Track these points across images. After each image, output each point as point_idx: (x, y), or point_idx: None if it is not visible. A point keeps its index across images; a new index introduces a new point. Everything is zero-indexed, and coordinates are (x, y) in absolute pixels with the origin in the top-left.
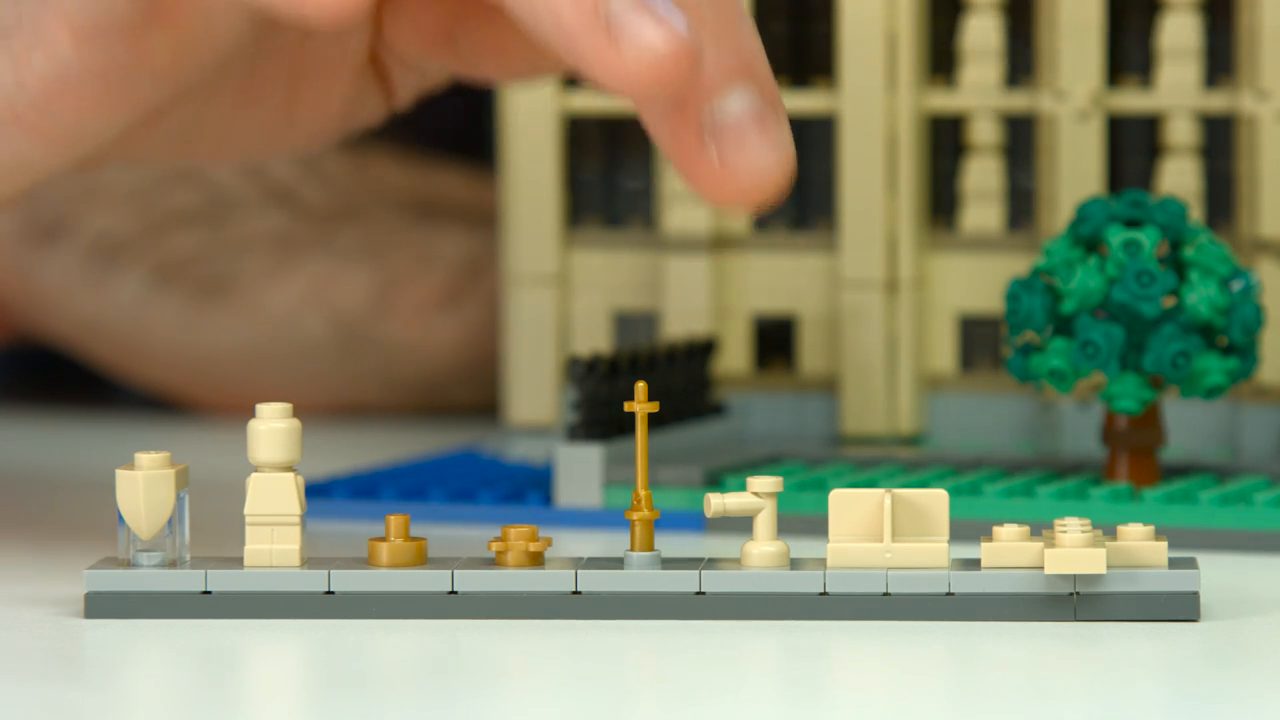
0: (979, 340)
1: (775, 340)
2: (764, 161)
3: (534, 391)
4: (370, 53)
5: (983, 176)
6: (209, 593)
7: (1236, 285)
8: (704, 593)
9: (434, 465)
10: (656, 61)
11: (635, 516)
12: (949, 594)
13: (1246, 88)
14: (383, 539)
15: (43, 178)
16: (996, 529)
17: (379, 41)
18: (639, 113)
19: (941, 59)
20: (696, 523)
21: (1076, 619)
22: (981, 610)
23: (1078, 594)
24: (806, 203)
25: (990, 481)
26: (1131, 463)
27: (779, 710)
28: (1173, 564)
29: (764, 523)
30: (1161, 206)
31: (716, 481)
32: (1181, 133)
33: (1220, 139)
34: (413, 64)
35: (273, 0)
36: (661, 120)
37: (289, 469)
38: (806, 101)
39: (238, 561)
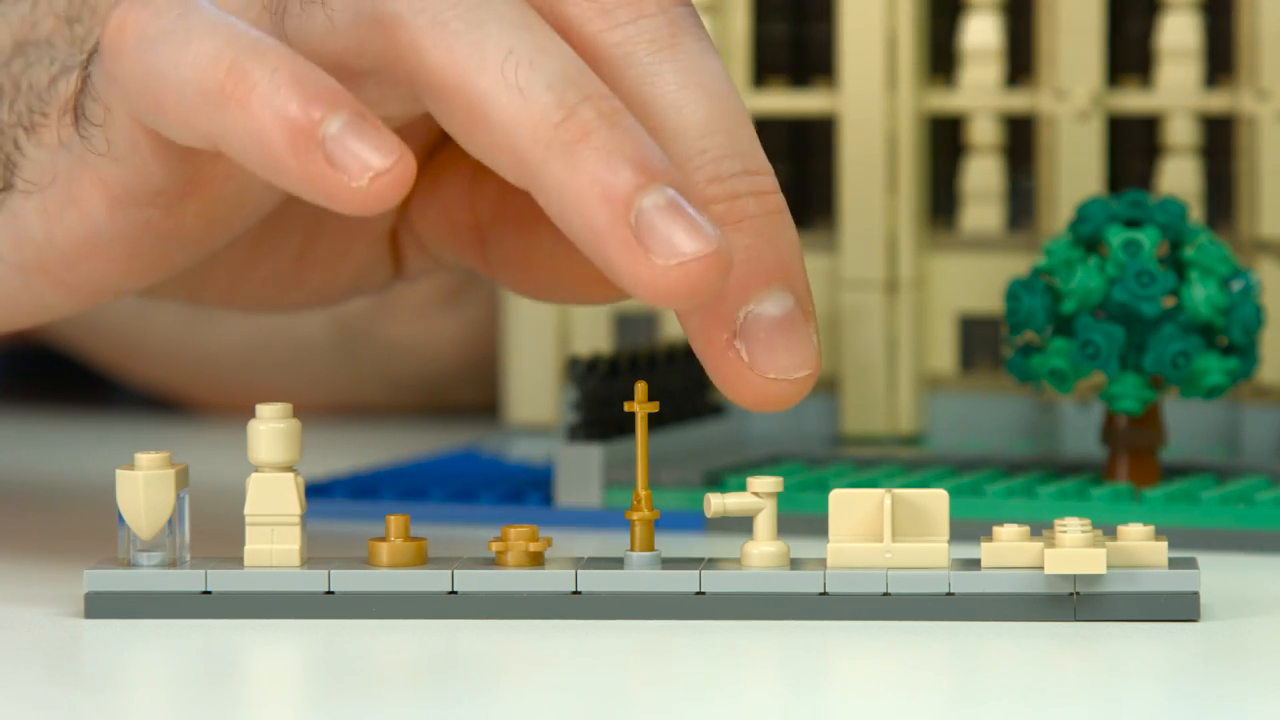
0: (979, 340)
1: None
2: (792, 367)
3: (534, 391)
4: (391, 230)
5: (983, 176)
6: (209, 593)
7: (1236, 285)
8: (704, 593)
9: (434, 465)
10: (685, 271)
11: (635, 516)
12: (949, 594)
13: (1246, 88)
14: (383, 539)
15: (58, 318)
16: (996, 529)
17: (402, 222)
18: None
19: (941, 59)
20: (696, 523)
21: (1076, 619)
22: (981, 610)
23: (1078, 594)
24: (806, 203)
25: (990, 481)
26: (1131, 463)
27: (779, 710)
28: (1173, 564)
29: (764, 523)
30: (1161, 206)
31: (716, 481)
32: (1181, 133)
33: (1220, 139)
34: (432, 250)
35: (305, 188)
36: (693, 314)
37: (289, 469)
38: (806, 101)
39: (238, 561)
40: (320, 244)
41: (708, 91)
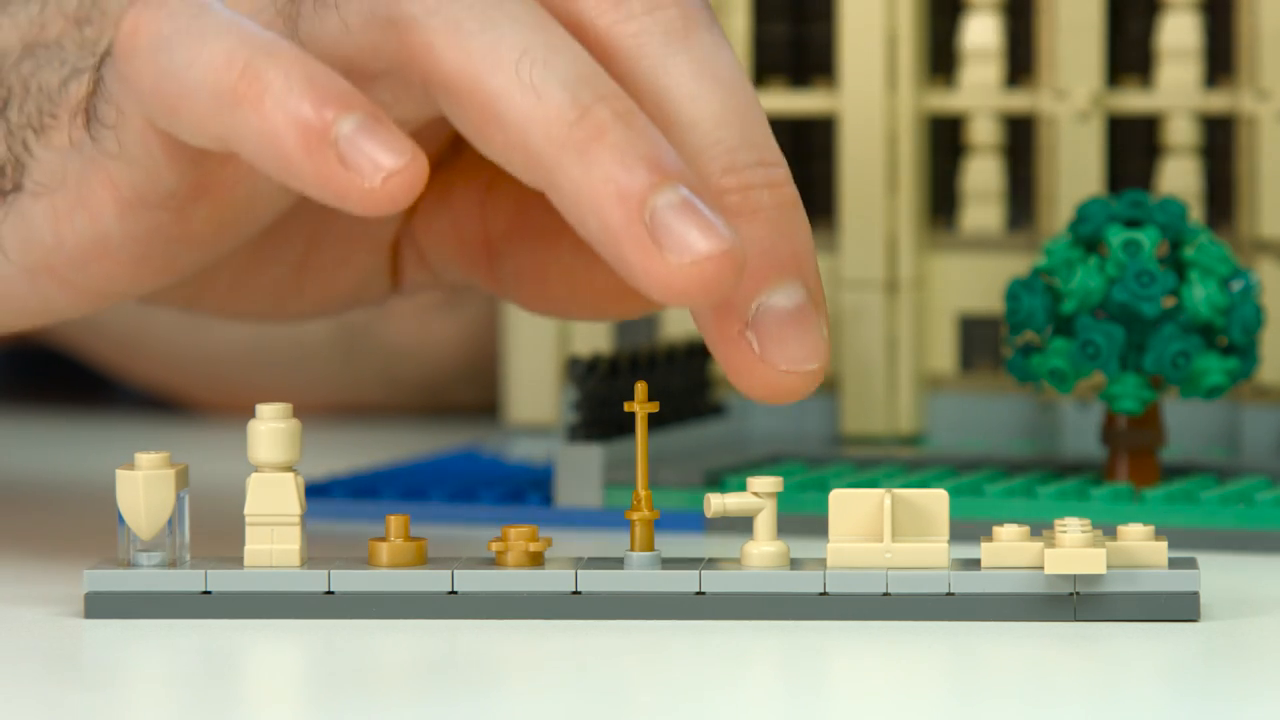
0: (979, 340)
1: None
2: (802, 359)
3: (534, 391)
4: (394, 240)
5: (983, 176)
6: (209, 593)
7: (1236, 285)
8: (704, 593)
9: (434, 465)
10: (700, 270)
11: (635, 516)
12: (949, 594)
13: (1246, 88)
14: (383, 539)
15: (61, 321)
16: (996, 529)
17: (405, 234)
18: None
19: (941, 59)
20: (696, 523)
21: (1076, 619)
22: (981, 610)
23: (1078, 594)
24: (807, 203)
25: (990, 481)
26: (1131, 463)
27: (779, 710)
28: (1173, 564)
29: (764, 523)
30: (1161, 206)
31: (716, 481)
32: (1181, 133)
33: (1220, 139)
34: (434, 265)
35: (318, 189)
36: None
37: (289, 469)
38: (806, 101)
39: (238, 561)
40: (321, 252)
41: (722, 83)
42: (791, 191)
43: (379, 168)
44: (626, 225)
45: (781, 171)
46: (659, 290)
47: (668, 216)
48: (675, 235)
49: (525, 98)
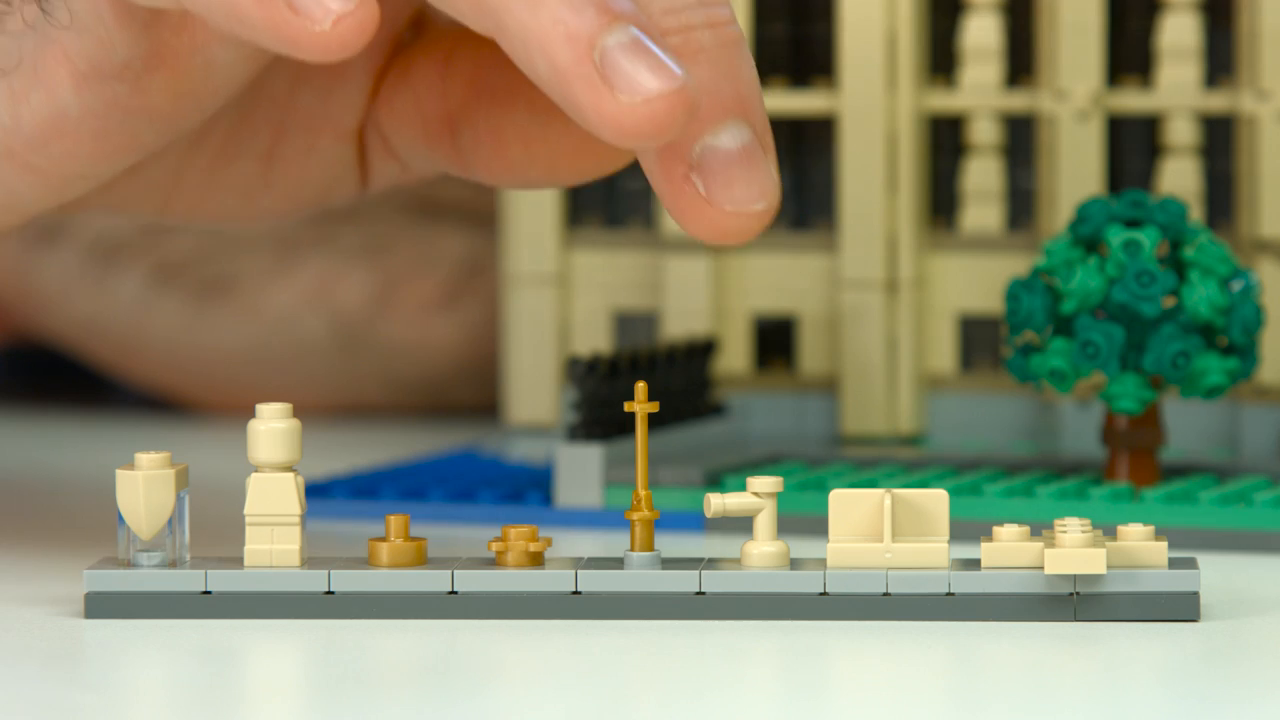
0: (979, 340)
1: (775, 340)
2: (749, 199)
3: (534, 391)
4: (358, 127)
5: (983, 176)
6: (209, 593)
7: (1236, 285)
8: (704, 593)
9: (434, 465)
10: (651, 109)
11: (635, 516)
12: (949, 594)
13: (1246, 88)
14: (383, 539)
15: (31, 216)
16: (996, 529)
17: (370, 118)
18: None
19: (941, 59)
20: (696, 523)
21: (1076, 619)
22: (981, 610)
23: (1078, 594)
24: (806, 203)
25: (990, 481)
26: (1131, 463)
27: (779, 710)
28: (1173, 564)
29: (764, 523)
30: (1161, 206)
31: (716, 481)
32: (1181, 133)
33: (1220, 139)
34: (399, 150)
35: (269, 37)
36: (650, 149)
37: (289, 469)
38: (806, 101)
39: (238, 561)
40: (287, 141)
41: None
42: (735, 31)
43: (328, 10)
44: (576, 65)
45: (724, 10)
46: (610, 130)
47: (618, 56)
48: (625, 74)
49: None
